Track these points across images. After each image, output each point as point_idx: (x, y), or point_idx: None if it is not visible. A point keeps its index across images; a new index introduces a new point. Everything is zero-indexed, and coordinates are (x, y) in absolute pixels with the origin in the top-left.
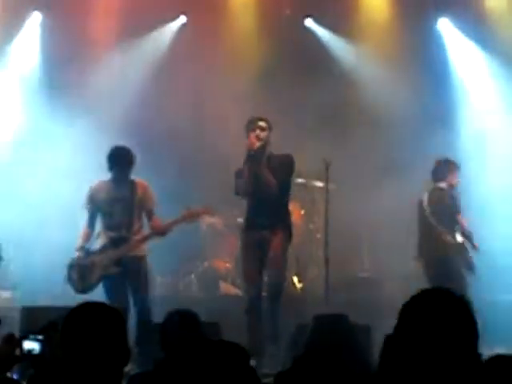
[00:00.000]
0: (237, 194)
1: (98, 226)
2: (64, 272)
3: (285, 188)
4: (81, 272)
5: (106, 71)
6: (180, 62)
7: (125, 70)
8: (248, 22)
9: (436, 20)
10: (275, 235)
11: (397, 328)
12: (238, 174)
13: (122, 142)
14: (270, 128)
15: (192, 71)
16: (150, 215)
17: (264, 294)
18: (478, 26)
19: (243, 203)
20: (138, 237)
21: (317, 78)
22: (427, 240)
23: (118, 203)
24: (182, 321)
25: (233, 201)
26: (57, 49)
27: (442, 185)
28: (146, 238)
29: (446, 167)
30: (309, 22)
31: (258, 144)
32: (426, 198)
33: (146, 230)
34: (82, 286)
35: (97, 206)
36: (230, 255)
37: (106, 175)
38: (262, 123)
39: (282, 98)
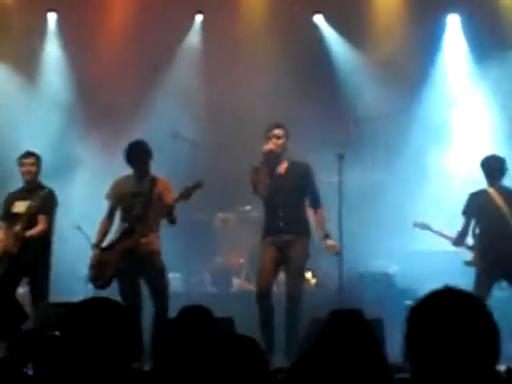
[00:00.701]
0: (256, 193)
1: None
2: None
3: (304, 195)
4: (97, 268)
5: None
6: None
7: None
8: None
9: (444, 21)
10: (295, 242)
11: (407, 335)
12: (255, 175)
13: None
14: (286, 135)
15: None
16: (169, 211)
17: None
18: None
19: (255, 199)
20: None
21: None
22: (500, 238)
23: (138, 198)
24: (196, 317)
25: (246, 197)
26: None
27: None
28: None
29: (504, 165)
30: (318, 19)
31: (274, 148)
32: (496, 196)
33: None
34: (100, 282)
35: (118, 199)
36: (243, 251)
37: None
38: (278, 131)
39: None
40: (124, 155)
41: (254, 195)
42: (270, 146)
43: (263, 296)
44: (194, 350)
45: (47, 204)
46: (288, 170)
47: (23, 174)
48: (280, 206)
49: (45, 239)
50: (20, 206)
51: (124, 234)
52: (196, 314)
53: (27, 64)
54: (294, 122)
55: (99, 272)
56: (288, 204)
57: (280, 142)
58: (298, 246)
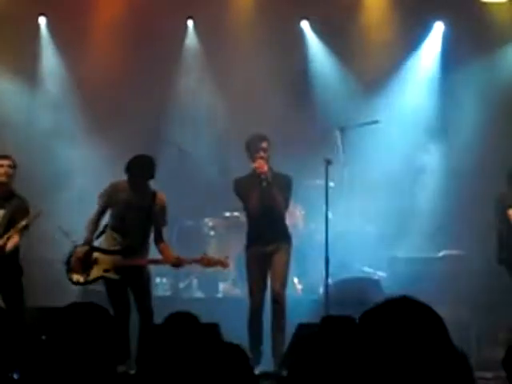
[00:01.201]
0: (248, 214)
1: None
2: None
3: (287, 205)
4: (82, 263)
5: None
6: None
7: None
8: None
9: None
10: (280, 250)
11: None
12: (243, 193)
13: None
14: (270, 145)
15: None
16: (159, 233)
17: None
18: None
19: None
20: (148, 258)
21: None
22: None
23: (134, 210)
24: (183, 323)
25: (234, 203)
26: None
27: None
28: (155, 262)
29: None
30: (304, 25)
31: (266, 168)
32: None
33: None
34: (78, 278)
35: (112, 205)
36: (230, 256)
37: None
38: (264, 144)
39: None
40: (128, 166)
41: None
42: (260, 164)
43: (258, 310)
44: (179, 356)
45: (24, 214)
46: (272, 181)
47: None
48: (266, 217)
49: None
50: None
51: (122, 250)
52: (183, 320)
53: (23, 68)
54: (284, 130)
55: (84, 268)
56: (272, 214)
57: (267, 154)
58: (282, 254)
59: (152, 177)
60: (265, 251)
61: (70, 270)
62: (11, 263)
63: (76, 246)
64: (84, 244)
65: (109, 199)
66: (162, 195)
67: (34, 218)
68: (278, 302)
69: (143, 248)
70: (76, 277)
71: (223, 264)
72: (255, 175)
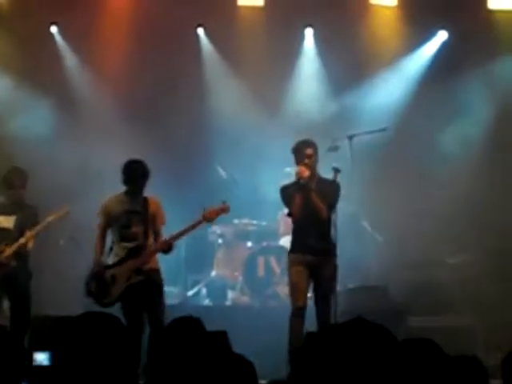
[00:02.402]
0: (292, 220)
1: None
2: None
3: (332, 212)
4: (102, 286)
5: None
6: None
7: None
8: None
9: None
10: (328, 264)
11: None
12: (287, 199)
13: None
14: (316, 150)
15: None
16: (156, 234)
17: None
18: None
19: (253, 213)
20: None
21: None
22: None
23: (135, 216)
24: (186, 327)
25: (242, 211)
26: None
27: None
28: (154, 253)
29: None
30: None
31: (307, 173)
32: None
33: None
34: (109, 299)
35: (112, 219)
36: (238, 264)
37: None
38: (309, 150)
39: None
40: (123, 172)
41: (289, 217)
42: (301, 170)
43: (299, 315)
44: (184, 361)
45: (33, 221)
46: (317, 188)
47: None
48: (307, 223)
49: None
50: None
51: (130, 254)
52: (186, 324)
53: (39, 75)
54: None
55: (106, 289)
56: (314, 220)
57: (312, 160)
58: (328, 268)
59: (148, 177)
60: (309, 261)
61: (96, 297)
62: (21, 267)
63: (90, 274)
64: (96, 268)
65: (107, 218)
66: (154, 199)
67: (61, 216)
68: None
69: (148, 247)
70: (106, 299)
71: (224, 210)
72: (297, 182)
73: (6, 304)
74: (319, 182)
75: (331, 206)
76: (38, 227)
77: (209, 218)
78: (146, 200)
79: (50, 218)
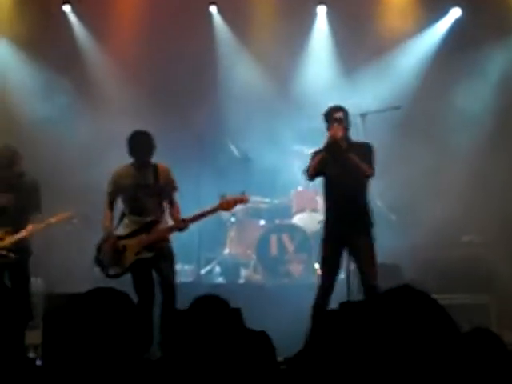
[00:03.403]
0: (326, 186)
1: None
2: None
3: (372, 171)
4: (112, 255)
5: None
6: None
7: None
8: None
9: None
10: (365, 234)
11: None
12: (312, 159)
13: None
14: (346, 115)
15: None
16: (171, 202)
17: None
18: None
19: (266, 191)
20: (163, 226)
21: None
22: None
23: (143, 189)
24: (212, 307)
25: (255, 189)
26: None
27: None
28: (169, 230)
29: None
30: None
31: (340, 133)
32: None
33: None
34: (115, 270)
35: (121, 190)
36: (251, 242)
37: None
38: (339, 114)
39: None
40: (128, 143)
41: (309, 180)
42: (333, 130)
43: (326, 294)
44: (204, 341)
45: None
46: (349, 148)
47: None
48: (345, 192)
49: None
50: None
51: (144, 228)
52: (211, 304)
53: (52, 54)
54: None
55: (116, 259)
56: (353, 189)
57: (343, 124)
58: (366, 239)
59: (154, 151)
60: (346, 232)
61: (104, 266)
62: (20, 252)
63: (101, 242)
64: (107, 236)
65: (116, 187)
66: (164, 166)
67: (64, 219)
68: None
69: (163, 220)
70: (113, 270)
71: (243, 200)
72: (325, 144)
73: None
74: (351, 145)
75: (370, 167)
76: (40, 226)
77: (226, 208)
78: (156, 168)
79: (52, 220)
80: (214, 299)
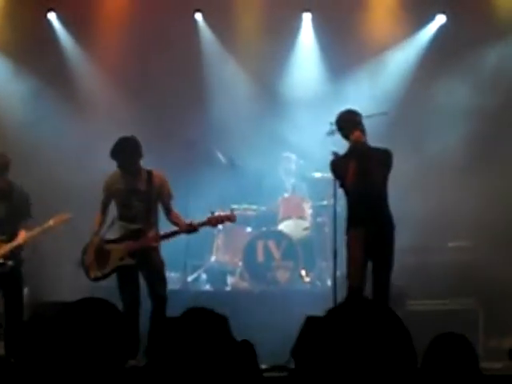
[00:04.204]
0: (347, 191)
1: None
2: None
3: (387, 183)
4: (95, 259)
5: None
6: None
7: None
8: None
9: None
10: (385, 234)
11: None
12: (339, 170)
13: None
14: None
15: None
16: (167, 209)
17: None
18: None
19: (252, 198)
20: (160, 234)
21: None
22: None
23: (135, 195)
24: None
25: (242, 196)
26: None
27: None
28: (169, 236)
29: None
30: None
31: (363, 138)
32: None
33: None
34: (96, 274)
35: (113, 196)
36: (238, 250)
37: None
38: (358, 118)
39: None
40: (112, 150)
41: (342, 188)
42: (360, 135)
43: (360, 290)
44: (188, 349)
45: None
46: (372, 157)
47: None
48: (364, 192)
49: None
50: None
51: (132, 234)
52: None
53: (37, 62)
54: None
55: (99, 262)
56: (376, 193)
57: (362, 129)
58: (387, 240)
59: (140, 156)
60: (369, 233)
61: (86, 268)
62: (13, 255)
63: (87, 245)
64: (91, 242)
65: (109, 191)
66: (158, 173)
67: (62, 222)
68: (385, 290)
69: (152, 229)
70: (94, 273)
71: (230, 218)
72: (351, 150)
73: None
74: (371, 151)
75: (385, 177)
76: (37, 230)
77: (213, 224)
78: (150, 176)
79: (50, 223)
80: (201, 309)
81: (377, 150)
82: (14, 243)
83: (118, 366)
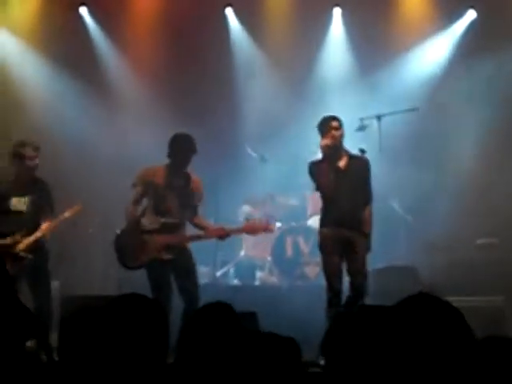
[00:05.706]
0: (320, 190)
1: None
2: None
3: (364, 191)
4: (131, 247)
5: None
6: None
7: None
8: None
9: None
10: (360, 242)
11: None
12: (315, 172)
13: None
14: (341, 125)
15: None
16: (194, 211)
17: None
18: None
19: (279, 196)
20: (189, 234)
21: None
22: None
23: (172, 190)
24: (217, 313)
25: (272, 190)
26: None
27: None
28: (199, 238)
29: None
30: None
31: (332, 142)
32: None
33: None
34: (132, 262)
35: (150, 188)
36: (266, 245)
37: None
38: (335, 123)
39: None
40: (170, 145)
41: (318, 191)
42: (327, 140)
43: (337, 302)
44: (215, 345)
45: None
46: (349, 165)
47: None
48: (343, 202)
49: None
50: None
51: (168, 228)
52: (216, 309)
53: (70, 58)
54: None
55: (135, 252)
56: (351, 200)
57: (338, 133)
58: (360, 246)
59: (195, 151)
60: (341, 237)
61: (122, 256)
62: (37, 255)
63: (122, 233)
64: (129, 229)
65: (145, 185)
66: (197, 179)
67: (76, 212)
68: (359, 290)
69: (184, 226)
70: (130, 262)
71: (267, 229)
72: (324, 154)
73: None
74: (351, 159)
75: (364, 185)
76: (56, 221)
77: (250, 232)
78: (188, 176)
79: (67, 214)
80: (226, 306)
81: (353, 158)
82: (32, 237)
83: (159, 362)
